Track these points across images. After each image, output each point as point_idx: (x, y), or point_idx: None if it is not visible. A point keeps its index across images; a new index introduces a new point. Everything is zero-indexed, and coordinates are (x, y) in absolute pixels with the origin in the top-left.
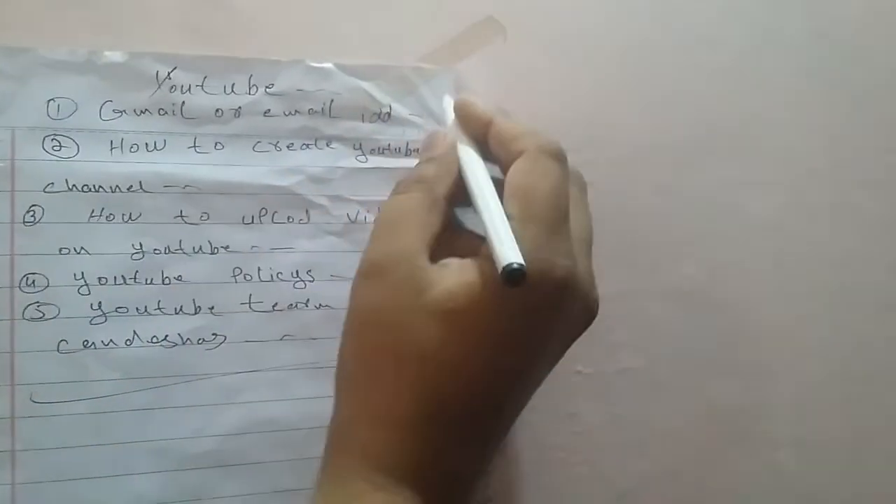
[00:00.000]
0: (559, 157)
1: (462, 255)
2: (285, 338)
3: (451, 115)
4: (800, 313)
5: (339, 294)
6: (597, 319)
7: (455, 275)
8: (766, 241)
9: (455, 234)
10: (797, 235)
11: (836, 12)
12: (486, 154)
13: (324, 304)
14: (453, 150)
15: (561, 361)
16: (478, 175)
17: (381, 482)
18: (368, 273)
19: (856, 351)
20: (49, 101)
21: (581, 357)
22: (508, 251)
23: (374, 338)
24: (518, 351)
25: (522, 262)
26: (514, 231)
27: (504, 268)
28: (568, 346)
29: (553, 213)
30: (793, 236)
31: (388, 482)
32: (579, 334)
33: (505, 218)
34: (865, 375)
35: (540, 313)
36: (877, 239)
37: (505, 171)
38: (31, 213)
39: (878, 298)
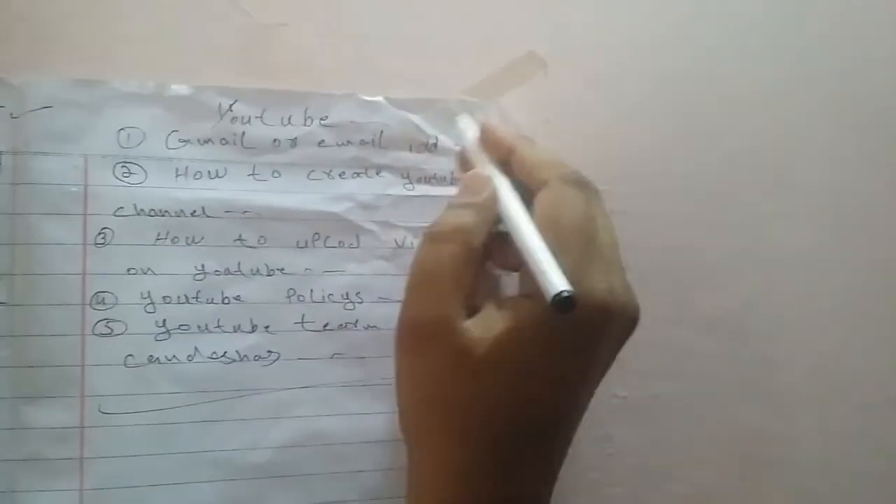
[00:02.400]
0: (580, 184)
1: (498, 296)
2: (335, 356)
3: (468, 135)
4: (828, 343)
5: (387, 315)
6: (632, 346)
7: (495, 326)
8: (797, 271)
9: (490, 275)
10: (827, 267)
11: (867, 46)
12: (510, 174)
13: (372, 325)
14: (493, 196)
15: (599, 385)
16: (516, 214)
17: None
18: (410, 334)
19: (885, 381)
20: (120, 130)
21: (617, 382)
22: (556, 280)
23: (430, 398)
24: (571, 377)
25: (570, 288)
26: (552, 259)
27: (554, 297)
28: (615, 355)
29: (583, 241)
30: (823, 268)
31: None
32: (624, 342)
33: (546, 250)
34: (894, 405)
35: (585, 338)
36: None
37: (530, 195)
38: (102, 235)
39: None
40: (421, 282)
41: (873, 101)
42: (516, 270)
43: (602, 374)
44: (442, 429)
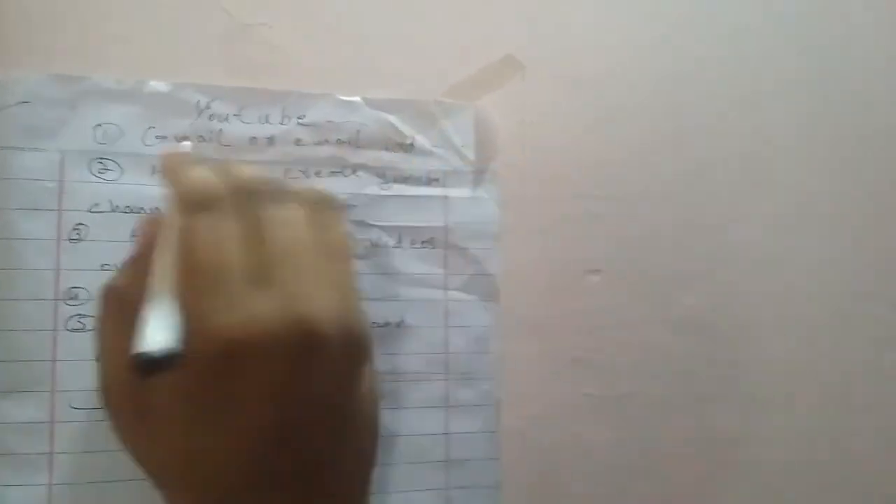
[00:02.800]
0: (199, 206)
1: None
2: None
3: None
4: (798, 345)
5: None
6: (604, 345)
7: (160, 381)
8: (767, 274)
9: None
10: (797, 269)
11: (865, 48)
12: None
13: None
14: (148, 245)
15: (568, 384)
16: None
17: None
18: (104, 401)
19: (854, 384)
20: (97, 126)
21: (588, 380)
22: (139, 341)
23: (140, 460)
24: (245, 420)
25: (147, 349)
26: (171, 306)
27: (132, 358)
28: (348, 374)
29: (206, 271)
30: (793, 270)
31: None
32: (310, 365)
33: (159, 300)
34: (860, 406)
35: (227, 377)
36: (878, 274)
37: None
38: (77, 231)
39: (878, 333)
40: (98, 348)
41: (849, 105)
42: None
43: (330, 410)
44: (167, 487)
